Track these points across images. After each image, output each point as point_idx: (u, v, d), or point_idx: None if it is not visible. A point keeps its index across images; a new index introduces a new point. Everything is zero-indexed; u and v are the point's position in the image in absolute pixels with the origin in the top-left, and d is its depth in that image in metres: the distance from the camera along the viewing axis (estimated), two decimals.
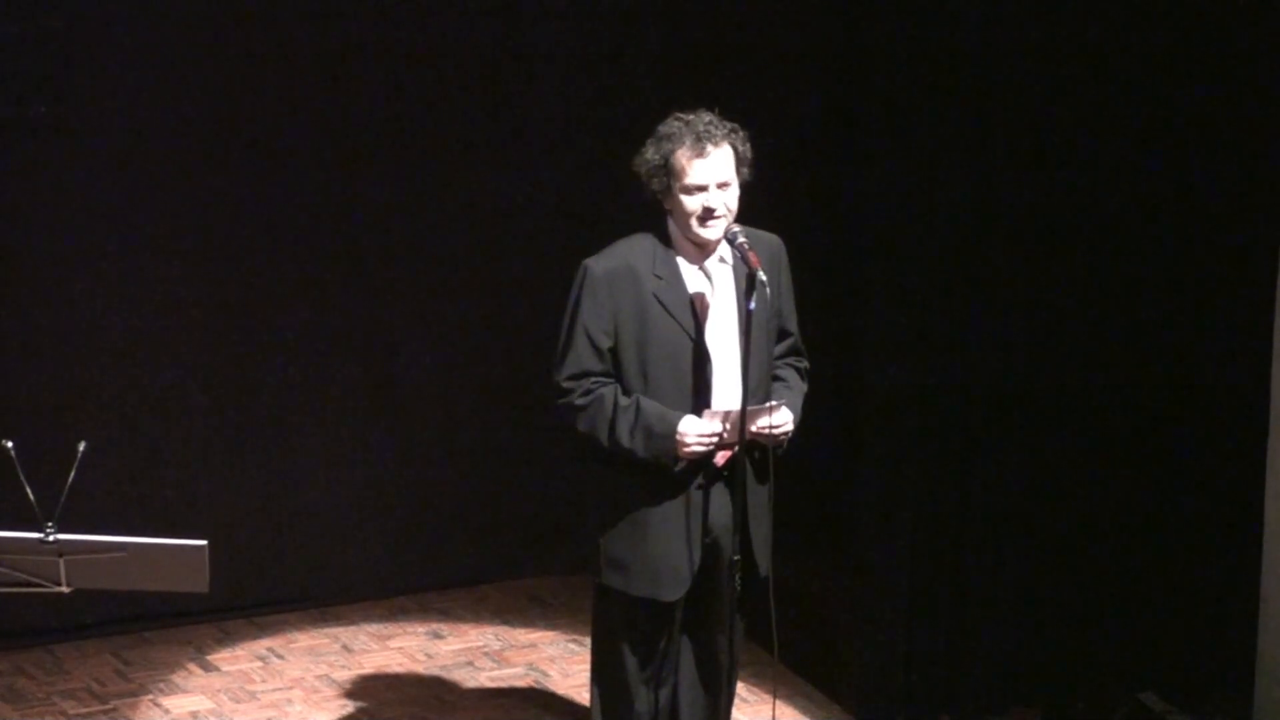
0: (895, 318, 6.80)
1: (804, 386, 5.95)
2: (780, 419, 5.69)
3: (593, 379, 5.71)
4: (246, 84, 7.47)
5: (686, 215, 5.65)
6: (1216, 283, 7.08)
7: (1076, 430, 7.06)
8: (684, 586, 5.79)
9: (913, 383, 6.84)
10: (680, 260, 5.74)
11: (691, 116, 5.67)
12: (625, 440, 5.66)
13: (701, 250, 5.74)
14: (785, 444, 5.76)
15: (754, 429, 5.63)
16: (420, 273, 7.88)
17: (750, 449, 5.67)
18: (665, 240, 5.75)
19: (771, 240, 5.83)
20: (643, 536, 5.75)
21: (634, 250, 5.75)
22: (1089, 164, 6.92)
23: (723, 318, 5.75)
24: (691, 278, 5.74)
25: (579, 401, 5.71)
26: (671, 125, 5.66)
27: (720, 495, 5.75)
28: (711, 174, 5.61)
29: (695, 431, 5.62)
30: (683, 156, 5.61)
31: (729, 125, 5.68)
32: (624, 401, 5.67)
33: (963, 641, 7.05)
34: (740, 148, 5.68)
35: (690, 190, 5.62)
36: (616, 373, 5.73)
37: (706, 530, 5.77)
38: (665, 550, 5.74)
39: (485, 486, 8.11)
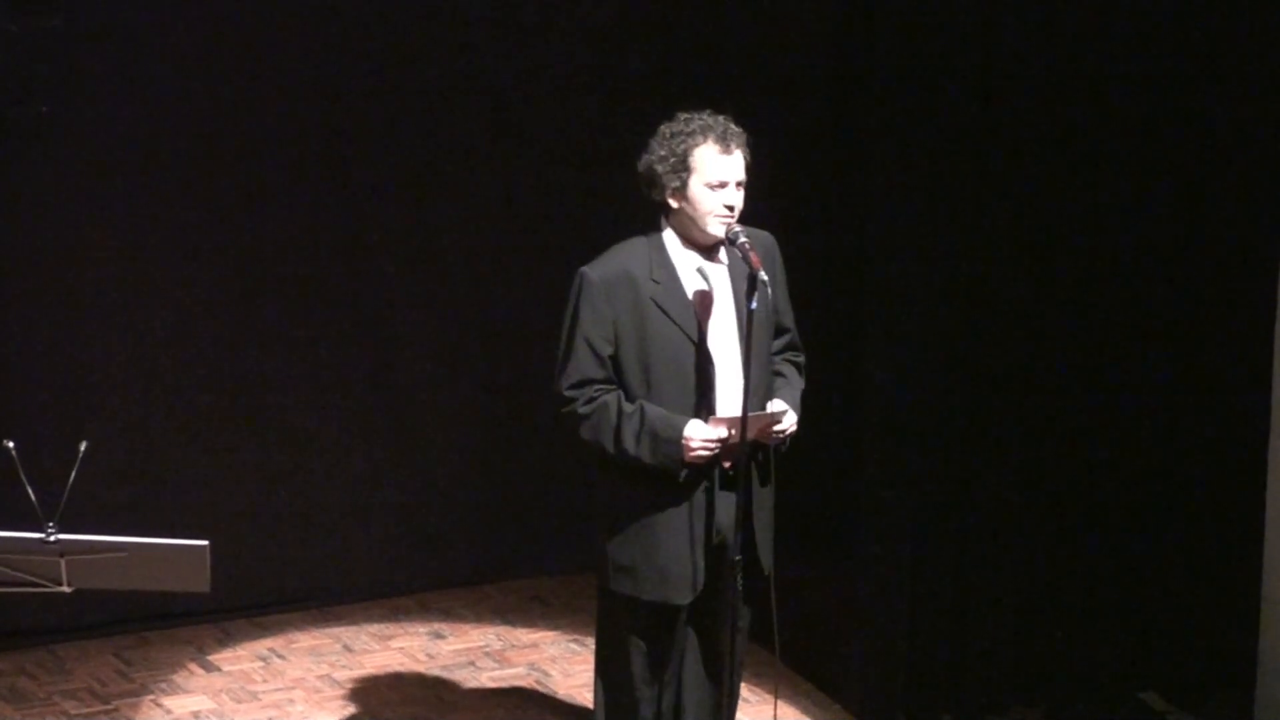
0: (896, 316, 6.81)
1: (802, 382, 5.97)
2: (787, 422, 5.71)
3: (595, 386, 5.71)
4: (247, 83, 7.47)
5: (705, 212, 5.66)
6: (1218, 280, 7.08)
7: (1078, 429, 7.06)
8: (695, 590, 5.78)
9: (914, 382, 6.84)
10: (677, 263, 5.75)
11: (705, 116, 5.69)
12: (631, 447, 5.66)
13: (698, 252, 5.75)
14: (788, 443, 5.78)
15: (759, 433, 5.64)
16: (421, 273, 7.88)
17: (754, 451, 5.68)
18: (660, 244, 5.76)
19: (765, 237, 5.84)
20: (651, 541, 5.74)
21: (630, 255, 5.75)
22: (1091, 162, 6.92)
23: (722, 318, 5.75)
24: (689, 280, 5.74)
25: (582, 410, 5.71)
26: (690, 123, 5.68)
27: (725, 496, 5.75)
28: (734, 172, 5.66)
29: (701, 436, 5.63)
30: (707, 152, 5.63)
31: (739, 128, 5.72)
32: (628, 408, 5.68)
33: (964, 641, 7.05)
34: (747, 153, 5.72)
35: (713, 186, 5.65)
36: (618, 379, 5.73)
37: (715, 531, 5.77)
38: (674, 554, 5.74)
39: (486, 486, 8.10)
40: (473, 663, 7.52)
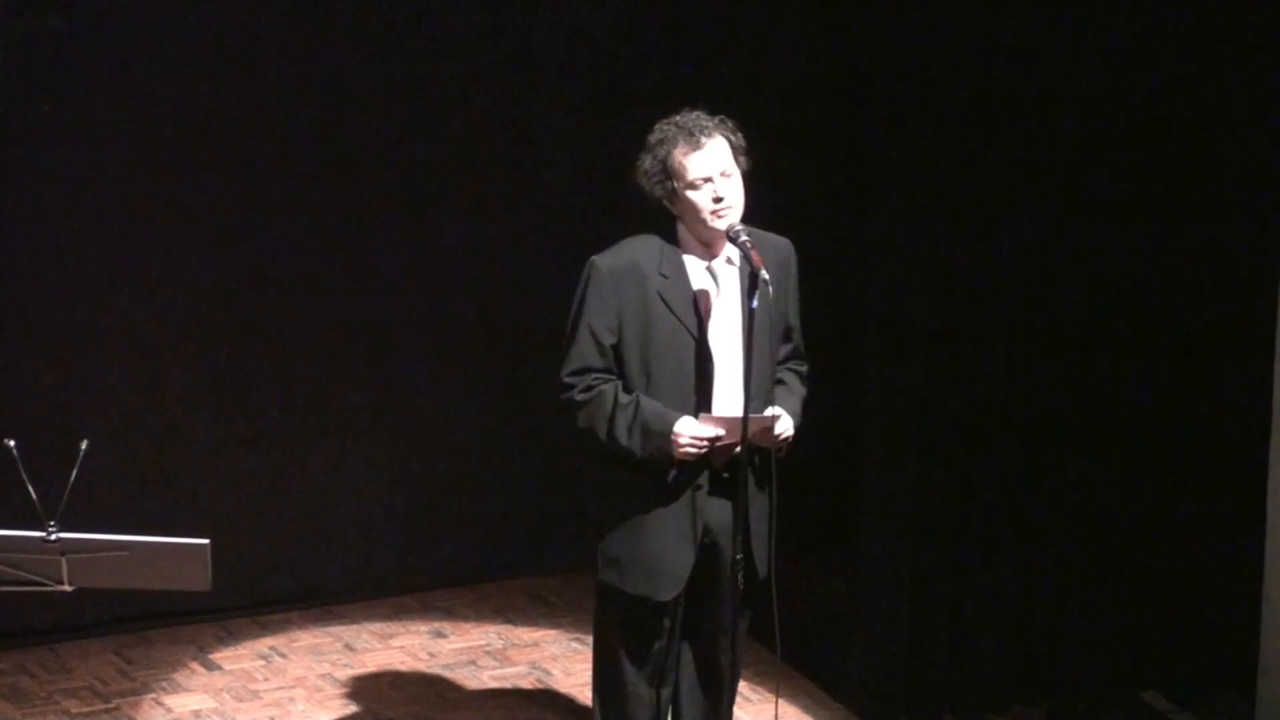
0: (897, 318, 6.81)
1: (804, 390, 5.97)
2: (781, 427, 5.71)
3: (595, 375, 5.73)
4: (249, 83, 7.47)
5: (698, 211, 5.66)
6: (1219, 280, 7.08)
7: (1078, 429, 7.06)
8: (678, 586, 5.80)
9: (914, 382, 6.84)
10: (687, 260, 5.76)
11: (678, 117, 5.70)
12: (623, 437, 5.67)
13: (708, 250, 5.75)
14: (785, 449, 5.78)
15: (754, 436, 5.64)
16: (422, 272, 7.88)
17: (751, 453, 5.68)
18: (673, 240, 5.77)
19: (781, 243, 5.84)
20: (640, 535, 5.76)
21: (640, 249, 5.76)
22: (1093, 165, 6.92)
23: (727, 318, 5.75)
24: (697, 278, 5.75)
25: (580, 397, 5.73)
26: (661, 130, 5.69)
27: (721, 496, 5.76)
28: (712, 164, 5.64)
29: (690, 433, 5.63)
30: (679, 155, 5.63)
31: (716, 117, 5.70)
32: (624, 399, 5.69)
33: (964, 640, 7.05)
34: (733, 137, 5.71)
35: (696, 185, 5.64)
36: (619, 370, 5.75)
37: (706, 531, 5.77)
38: (662, 550, 5.75)
39: (488, 485, 8.10)
40: (474, 661, 7.52)
